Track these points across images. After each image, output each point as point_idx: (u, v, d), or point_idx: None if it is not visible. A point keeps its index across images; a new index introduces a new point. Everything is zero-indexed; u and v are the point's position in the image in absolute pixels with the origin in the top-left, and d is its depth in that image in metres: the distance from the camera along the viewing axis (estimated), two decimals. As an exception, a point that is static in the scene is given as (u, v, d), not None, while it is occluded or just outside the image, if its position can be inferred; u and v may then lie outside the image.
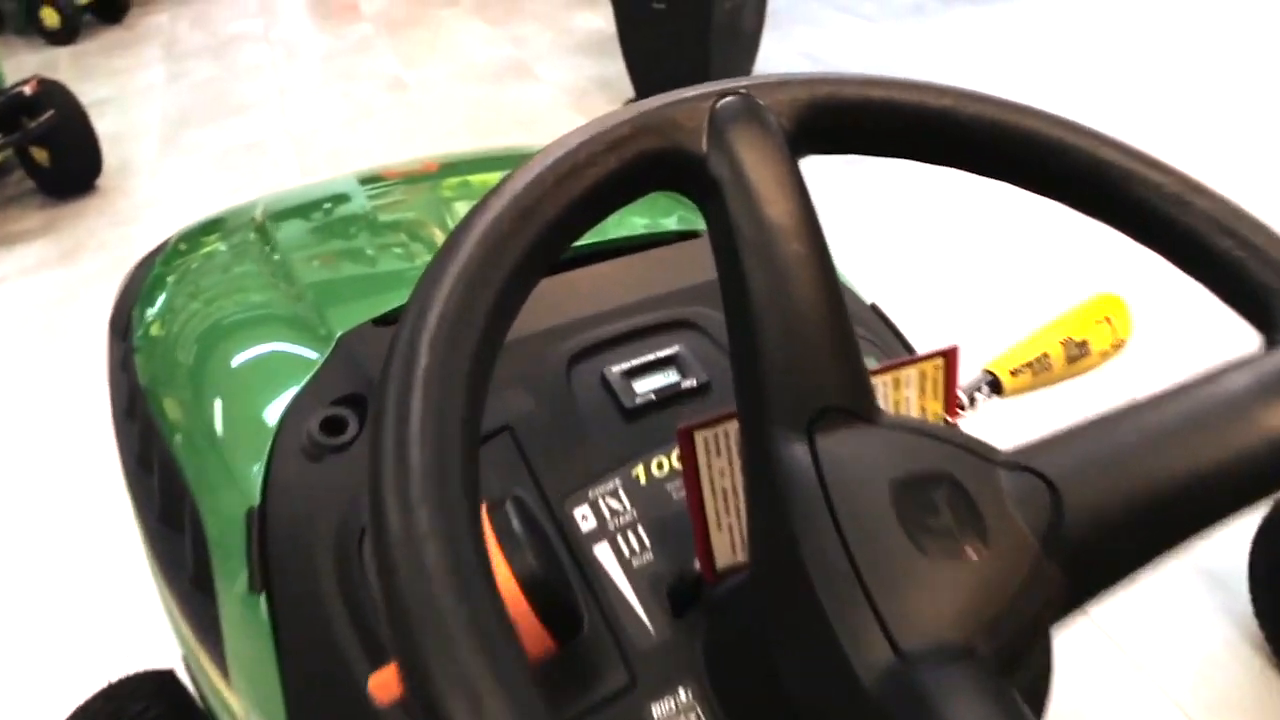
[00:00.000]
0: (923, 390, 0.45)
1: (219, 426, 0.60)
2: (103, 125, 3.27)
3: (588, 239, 0.70)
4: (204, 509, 0.58)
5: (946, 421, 0.46)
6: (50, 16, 4.64)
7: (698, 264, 0.62)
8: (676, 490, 0.48)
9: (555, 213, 0.34)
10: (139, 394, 0.71)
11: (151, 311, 0.78)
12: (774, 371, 0.34)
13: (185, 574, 0.62)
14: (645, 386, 0.51)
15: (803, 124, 0.38)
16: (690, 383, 0.52)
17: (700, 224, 0.70)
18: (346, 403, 0.56)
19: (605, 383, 0.52)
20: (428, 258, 0.75)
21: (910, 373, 0.44)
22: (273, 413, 0.56)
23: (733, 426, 0.41)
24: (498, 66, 3.79)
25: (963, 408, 0.49)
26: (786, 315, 0.34)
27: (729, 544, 0.43)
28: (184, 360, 0.66)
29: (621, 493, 0.48)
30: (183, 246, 0.87)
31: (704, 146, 0.37)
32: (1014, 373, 0.50)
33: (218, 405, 0.61)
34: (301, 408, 0.56)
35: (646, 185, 0.37)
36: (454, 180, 0.95)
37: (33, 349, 2.30)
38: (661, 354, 0.53)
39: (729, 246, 0.36)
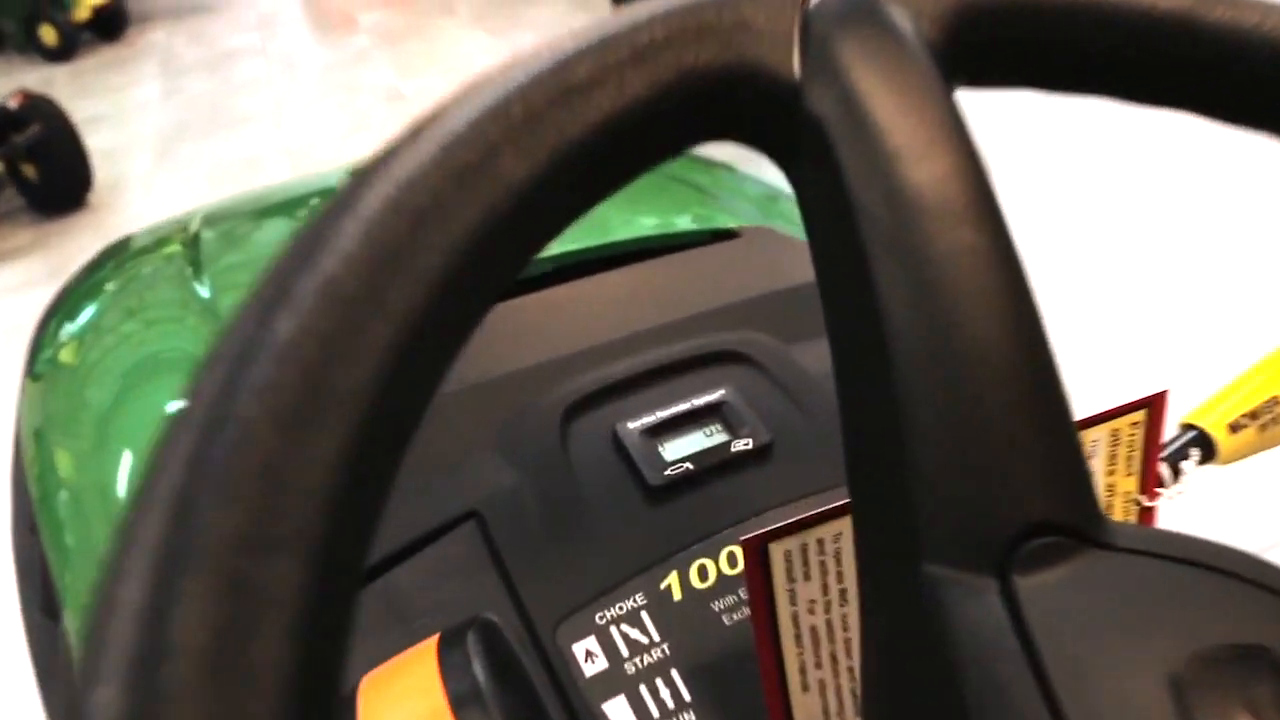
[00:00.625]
0: (1112, 459, 0.29)
1: (88, 506, 0.44)
2: (97, 141, 3.17)
3: (574, 241, 0.54)
4: (69, 609, 0.43)
5: (1142, 507, 0.30)
6: (49, 34, 4.59)
7: (742, 272, 0.46)
8: (730, 613, 0.32)
9: (523, 176, 0.18)
10: (24, 439, 0.55)
11: (54, 342, 0.62)
12: (932, 466, 0.19)
13: (60, 687, 0.46)
14: (678, 450, 0.36)
15: (960, 35, 0.22)
16: (744, 444, 0.36)
17: (737, 220, 0.54)
18: None
19: (619, 445, 0.36)
20: None
21: (1099, 434, 0.28)
22: None
23: (833, 532, 0.26)
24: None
25: (1162, 485, 0.33)
26: (954, 360, 0.19)
27: (820, 710, 0.27)
28: (65, 410, 0.51)
29: (645, 616, 0.32)
30: (109, 266, 0.72)
31: (795, 67, 0.21)
32: (1233, 427, 0.35)
33: (93, 476, 0.45)
34: None
35: (693, 130, 0.21)
36: None
37: (18, 369, 2.17)
38: (700, 402, 0.37)
39: (842, 236, 0.20)
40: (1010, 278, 0.20)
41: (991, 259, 0.20)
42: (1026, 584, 0.19)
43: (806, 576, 0.25)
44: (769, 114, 0.21)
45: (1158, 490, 0.29)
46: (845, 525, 0.25)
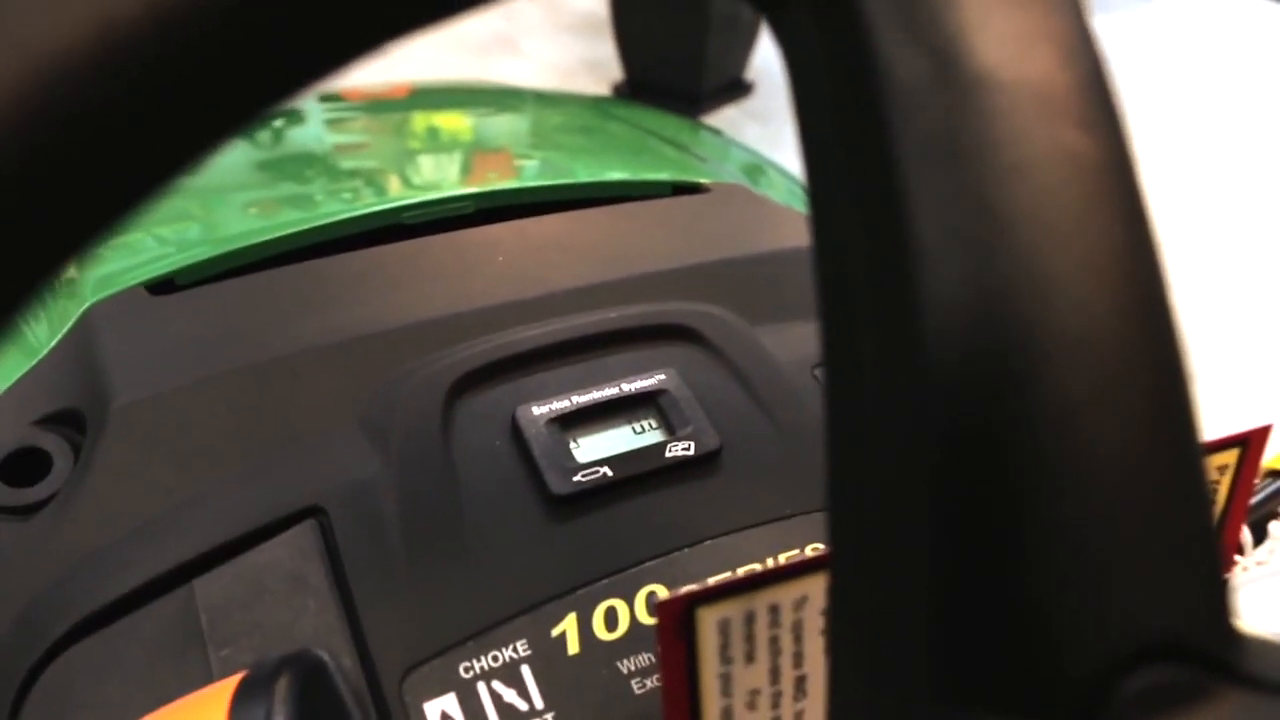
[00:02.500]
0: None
1: None
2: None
3: (505, 183, 0.45)
4: None
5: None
6: None
7: (705, 232, 0.37)
8: (643, 678, 0.24)
9: None
10: None
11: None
12: (970, 535, 0.11)
13: None
14: (595, 450, 0.27)
15: None
16: (684, 449, 0.27)
17: (710, 174, 0.46)
18: (58, 421, 0.31)
19: (518, 436, 0.28)
20: (325, 207, 0.51)
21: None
22: None
23: (793, 596, 0.17)
24: (484, 39, 3.56)
25: (1241, 551, 0.25)
26: (1027, 347, 0.11)
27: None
28: None
29: (527, 673, 0.23)
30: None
31: None
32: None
33: None
34: None
35: None
36: (421, 120, 0.71)
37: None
38: (631, 388, 0.29)
39: (854, 131, 0.12)
40: (1133, 217, 0.12)
41: (1107, 183, 0.12)
42: None
43: (749, 657, 0.17)
44: None
45: (1235, 558, 0.21)
46: (812, 587, 0.17)
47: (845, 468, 0.13)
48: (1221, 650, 0.12)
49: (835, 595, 0.13)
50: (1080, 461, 0.11)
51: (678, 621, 0.16)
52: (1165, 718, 0.11)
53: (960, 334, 0.11)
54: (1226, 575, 0.22)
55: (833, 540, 0.13)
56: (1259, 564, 0.25)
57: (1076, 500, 0.11)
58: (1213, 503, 0.22)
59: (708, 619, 0.16)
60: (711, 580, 0.17)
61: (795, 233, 0.38)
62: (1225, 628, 0.12)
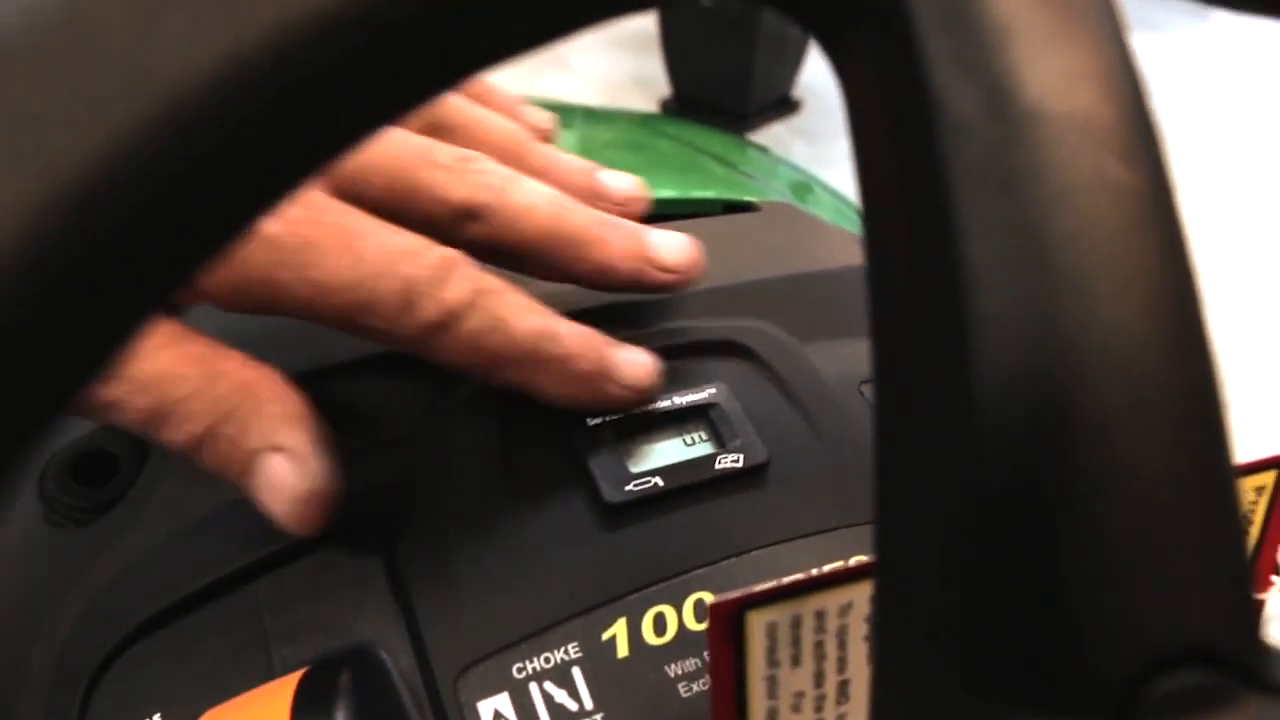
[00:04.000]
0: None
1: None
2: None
3: None
4: None
5: (1257, 601, 0.22)
6: None
7: (755, 250, 0.38)
8: (690, 681, 0.24)
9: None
10: None
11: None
12: (1010, 540, 0.12)
13: None
14: (646, 460, 0.28)
15: None
16: (733, 461, 0.28)
17: (759, 191, 0.47)
18: None
19: (572, 445, 0.29)
20: None
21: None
22: None
23: (839, 602, 0.18)
24: (532, 55, 3.62)
25: (1277, 572, 0.26)
26: (1069, 366, 0.12)
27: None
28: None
29: (578, 675, 0.24)
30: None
31: None
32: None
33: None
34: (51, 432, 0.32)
35: None
36: None
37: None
38: (682, 401, 0.29)
39: (907, 157, 0.13)
40: (1170, 244, 0.13)
41: (1146, 212, 0.12)
42: None
43: (795, 661, 0.18)
44: None
45: (1272, 579, 0.22)
46: (857, 594, 0.18)
47: (891, 478, 0.13)
48: (1249, 658, 0.12)
49: (879, 600, 0.14)
50: (1117, 476, 0.12)
51: (727, 624, 0.17)
52: (1192, 719, 0.12)
53: (1006, 350, 0.12)
54: (1262, 593, 0.22)
55: (878, 547, 0.14)
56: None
57: (1113, 513, 0.12)
58: (1249, 523, 0.22)
59: (756, 622, 0.17)
60: (759, 586, 0.17)
61: (843, 251, 0.39)
62: (1253, 636, 0.12)
